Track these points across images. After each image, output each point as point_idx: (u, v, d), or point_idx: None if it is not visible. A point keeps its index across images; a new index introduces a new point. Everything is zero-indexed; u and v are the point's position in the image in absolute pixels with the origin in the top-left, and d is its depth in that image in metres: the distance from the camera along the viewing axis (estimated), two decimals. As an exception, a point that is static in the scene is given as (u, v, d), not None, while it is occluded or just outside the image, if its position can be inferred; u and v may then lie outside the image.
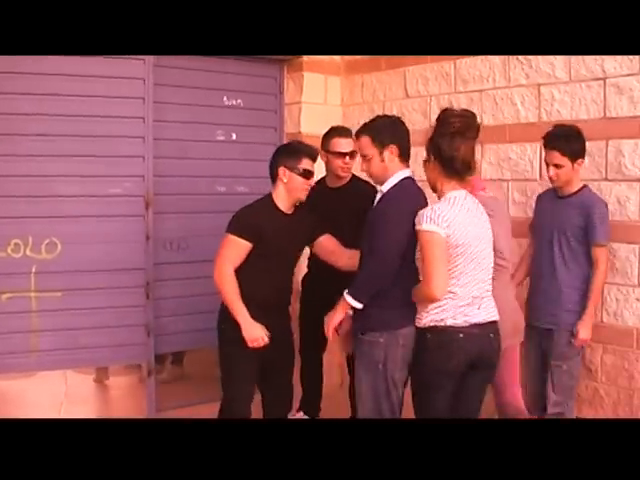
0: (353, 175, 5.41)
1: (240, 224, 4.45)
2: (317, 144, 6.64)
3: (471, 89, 5.82)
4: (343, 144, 5.29)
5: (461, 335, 3.83)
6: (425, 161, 4.10)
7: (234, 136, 6.14)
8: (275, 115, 6.82)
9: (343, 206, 5.17)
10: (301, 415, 5.77)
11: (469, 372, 3.89)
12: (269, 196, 4.59)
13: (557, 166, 4.68)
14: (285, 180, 4.52)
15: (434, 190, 4.07)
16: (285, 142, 6.73)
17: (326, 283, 4.89)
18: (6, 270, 5.62)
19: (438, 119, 4.02)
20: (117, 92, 5.78)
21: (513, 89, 5.56)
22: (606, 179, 5.09)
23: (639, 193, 4.93)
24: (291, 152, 4.59)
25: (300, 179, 4.53)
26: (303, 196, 4.60)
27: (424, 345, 3.91)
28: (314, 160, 4.63)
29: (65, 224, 5.62)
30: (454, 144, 3.86)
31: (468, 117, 4.00)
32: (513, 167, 5.58)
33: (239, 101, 6.49)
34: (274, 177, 4.58)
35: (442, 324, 3.84)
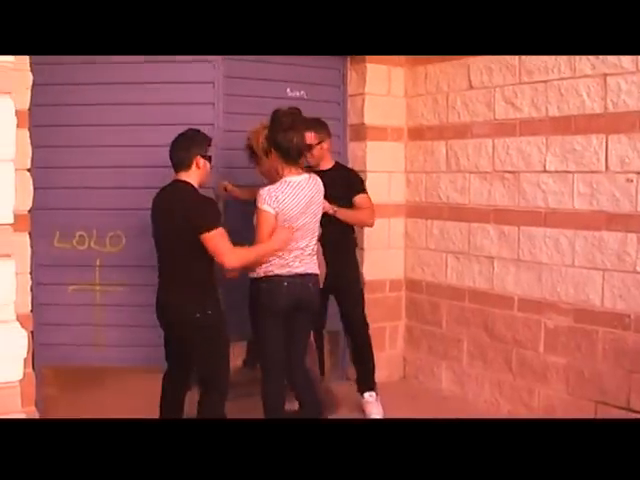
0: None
1: (217, 216, 4.67)
2: (381, 135, 6.68)
3: (536, 80, 5.71)
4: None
5: (285, 283, 4.78)
6: (262, 156, 5.03)
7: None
8: (338, 107, 6.79)
9: None
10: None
11: (294, 313, 4.85)
12: (189, 184, 4.70)
13: None
14: (200, 167, 4.72)
15: (272, 178, 4.92)
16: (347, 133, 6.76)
17: None
18: (72, 262, 5.69)
19: (272, 119, 4.79)
20: (189, 78, 5.88)
21: (579, 80, 5.43)
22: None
23: None
24: (201, 141, 4.77)
25: (208, 164, 4.80)
26: (210, 180, 5.09)
27: (258, 291, 4.80)
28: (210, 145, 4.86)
29: (129, 217, 5.66)
30: (288, 137, 4.68)
31: (296, 114, 4.80)
32: (578, 159, 5.46)
33: (302, 92, 6.46)
34: (187, 165, 4.69)
35: (271, 274, 4.76)
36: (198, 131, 4.80)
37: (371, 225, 5.93)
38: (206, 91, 5.93)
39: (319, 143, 5.62)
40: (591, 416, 5.35)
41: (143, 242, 5.50)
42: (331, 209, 5.48)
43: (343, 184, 5.65)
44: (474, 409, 6.08)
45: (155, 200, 4.79)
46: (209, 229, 4.50)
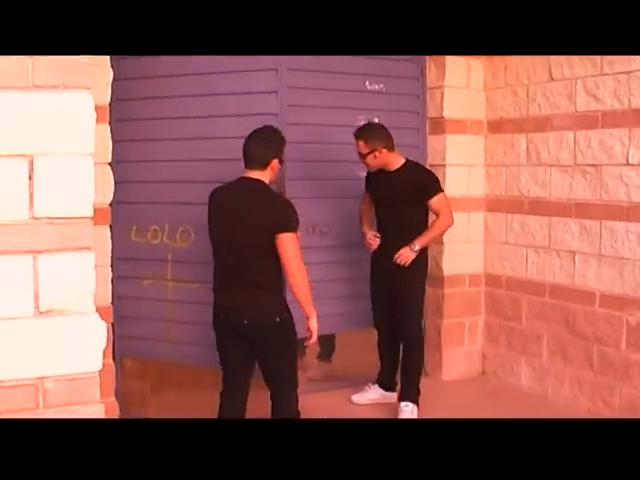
0: None
1: (297, 222, 4.52)
2: (460, 128, 6.59)
3: (618, 71, 5.55)
4: None
5: None
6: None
7: (376, 121, 6.02)
8: (417, 100, 6.71)
9: None
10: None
11: None
12: (265, 183, 4.60)
13: None
14: (275, 169, 4.62)
15: None
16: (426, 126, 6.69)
17: None
18: (146, 256, 5.76)
19: None
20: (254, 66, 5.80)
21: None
22: None
23: None
24: (280, 143, 4.66)
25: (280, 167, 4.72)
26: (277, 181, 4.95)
27: None
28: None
29: (197, 211, 5.66)
30: None
31: None
32: (663, 151, 5.30)
33: (381, 86, 6.41)
34: (264, 165, 4.57)
35: None
36: (278, 132, 4.73)
37: (452, 225, 5.80)
38: (271, 80, 5.89)
39: (371, 152, 5.49)
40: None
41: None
42: (413, 251, 5.52)
43: (415, 186, 5.54)
44: (553, 406, 5.96)
45: (220, 197, 4.67)
46: (288, 230, 4.43)
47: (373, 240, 5.71)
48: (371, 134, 5.52)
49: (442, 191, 5.68)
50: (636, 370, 5.49)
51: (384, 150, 5.51)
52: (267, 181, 4.59)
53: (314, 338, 4.64)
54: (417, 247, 5.50)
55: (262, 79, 5.85)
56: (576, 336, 5.96)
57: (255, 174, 4.56)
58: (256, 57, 5.27)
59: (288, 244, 4.43)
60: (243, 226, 4.49)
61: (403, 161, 5.67)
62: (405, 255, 5.50)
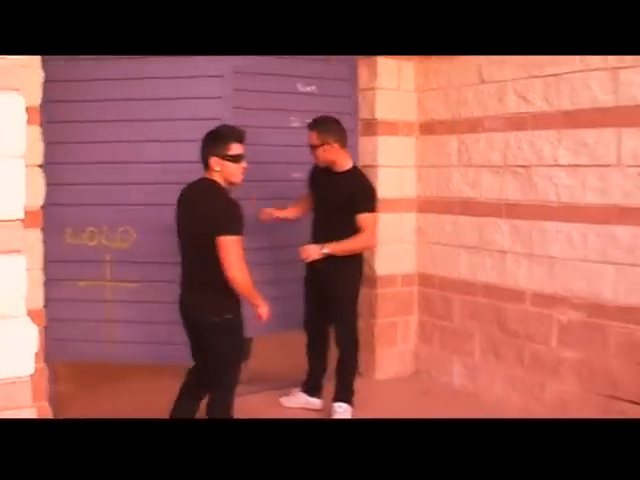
0: None
1: (239, 224, 4.48)
2: (392, 130, 6.61)
3: (547, 73, 5.63)
4: None
5: None
6: None
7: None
8: (349, 101, 6.71)
9: None
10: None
11: None
12: (215, 182, 4.59)
13: None
14: (218, 169, 4.57)
15: None
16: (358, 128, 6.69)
17: None
18: (82, 257, 5.67)
19: None
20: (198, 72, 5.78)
21: (590, 73, 5.35)
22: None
23: None
24: (218, 139, 4.60)
25: (233, 165, 4.59)
26: (239, 180, 4.70)
27: None
28: (242, 142, 4.66)
29: (139, 212, 5.64)
30: None
31: None
32: (590, 153, 5.38)
33: (313, 88, 6.40)
34: (205, 165, 4.59)
35: None
36: (218, 130, 4.68)
37: (371, 248, 5.76)
38: (214, 85, 5.84)
39: (322, 145, 5.49)
40: (603, 411, 5.29)
41: (153, 238, 5.48)
42: (319, 252, 5.45)
43: (351, 195, 5.48)
44: (485, 404, 6.02)
45: (182, 195, 4.70)
46: (225, 233, 4.38)
47: (265, 214, 5.75)
48: (325, 127, 5.52)
49: (373, 211, 5.58)
50: (566, 367, 5.57)
51: (335, 145, 5.50)
52: (220, 181, 4.57)
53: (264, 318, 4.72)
54: (326, 251, 5.42)
55: (205, 84, 5.86)
56: (507, 334, 6.03)
57: (207, 174, 4.59)
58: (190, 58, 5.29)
59: (224, 248, 4.39)
60: (192, 226, 4.55)
61: (351, 165, 5.66)
62: (309, 251, 5.44)
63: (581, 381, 5.49)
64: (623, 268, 5.19)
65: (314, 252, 5.42)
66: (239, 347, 4.73)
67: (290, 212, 5.90)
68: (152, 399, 5.51)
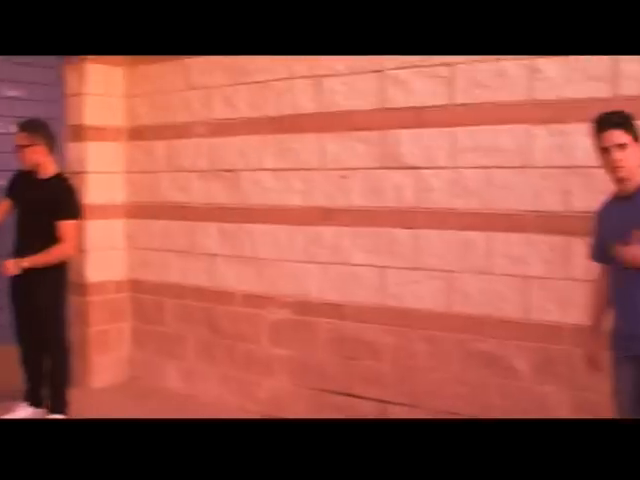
0: None
1: None
2: (100, 136, 6.42)
3: (253, 80, 5.74)
4: None
5: None
6: None
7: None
8: (57, 106, 6.44)
9: None
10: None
11: None
12: None
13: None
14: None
15: None
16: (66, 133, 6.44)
17: None
18: None
19: None
20: None
21: (295, 80, 5.52)
22: (385, 167, 5.14)
23: (414, 180, 5.02)
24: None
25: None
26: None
27: None
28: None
29: None
30: None
31: None
32: (295, 157, 5.55)
33: (21, 92, 6.08)
34: None
35: None
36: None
37: (70, 255, 5.54)
38: None
39: (30, 146, 5.25)
40: (316, 405, 5.46)
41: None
42: (18, 267, 5.19)
43: (53, 202, 5.27)
44: (203, 406, 5.98)
45: None
46: None
47: (9, 266, 5.28)
48: (35, 128, 5.30)
49: (76, 218, 5.38)
50: (278, 364, 5.70)
51: (44, 147, 5.30)
52: None
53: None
54: (25, 264, 5.18)
55: None
56: (220, 336, 6.06)
57: None
58: None
59: None
60: None
61: (55, 172, 5.41)
62: (7, 267, 5.18)
63: (293, 377, 5.63)
64: (327, 267, 5.40)
65: (13, 268, 5.15)
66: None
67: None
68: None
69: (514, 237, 4.67)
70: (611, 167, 3.64)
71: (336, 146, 5.32)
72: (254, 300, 5.82)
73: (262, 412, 5.67)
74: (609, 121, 3.64)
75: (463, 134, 4.83)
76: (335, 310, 5.37)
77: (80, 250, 5.78)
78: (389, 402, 5.18)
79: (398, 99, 5.08)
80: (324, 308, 5.43)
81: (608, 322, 3.84)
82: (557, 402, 4.57)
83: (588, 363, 3.95)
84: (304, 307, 5.53)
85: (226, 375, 6.04)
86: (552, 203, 4.55)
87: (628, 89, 4.28)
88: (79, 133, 6.49)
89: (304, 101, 5.49)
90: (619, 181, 3.66)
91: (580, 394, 4.47)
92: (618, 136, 3.59)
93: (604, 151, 3.65)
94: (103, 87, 6.58)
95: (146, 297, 6.63)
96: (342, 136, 5.29)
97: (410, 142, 5.03)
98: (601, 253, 3.84)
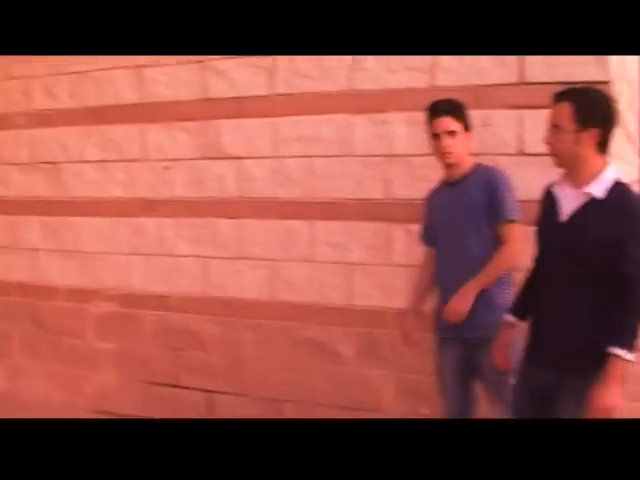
0: None
1: None
2: None
3: (74, 70, 5.15)
4: None
5: None
6: None
7: None
8: None
9: None
10: None
11: None
12: None
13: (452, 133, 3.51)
14: None
15: None
16: None
17: None
18: None
19: None
20: None
21: (116, 71, 5.00)
22: (207, 158, 4.72)
23: (236, 171, 4.64)
24: None
25: None
26: None
27: None
28: None
29: None
30: None
31: None
32: (117, 148, 5.03)
33: None
34: None
35: None
36: None
37: None
38: None
39: None
40: (143, 398, 4.98)
41: None
42: None
43: None
44: (31, 404, 5.31)
45: None
46: None
47: None
48: None
49: None
50: (104, 358, 5.18)
51: None
52: None
53: None
54: None
55: None
56: (44, 332, 5.44)
57: None
58: None
59: None
60: None
61: None
62: None
63: (120, 370, 5.14)
64: (151, 258, 4.96)
65: None
66: None
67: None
68: None
69: (336, 225, 4.39)
70: (441, 153, 3.50)
71: (158, 137, 4.87)
72: (78, 294, 5.25)
73: (91, 408, 5.11)
74: (440, 108, 3.50)
75: (285, 124, 4.50)
76: (160, 301, 4.92)
77: None
78: (217, 392, 4.79)
79: (220, 89, 4.67)
80: (149, 300, 4.97)
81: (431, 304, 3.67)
82: (382, 385, 4.34)
83: (403, 341, 3.77)
84: (129, 299, 5.05)
85: (52, 372, 5.43)
86: (373, 191, 4.29)
87: (444, 80, 4.07)
88: None
89: (125, 91, 4.99)
90: (448, 167, 3.54)
91: (404, 376, 4.27)
92: (448, 123, 3.46)
93: (435, 137, 3.50)
94: None
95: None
96: (164, 127, 4.84)
97: (232, 132, 4.64)
98: (430, 237, 3.69)
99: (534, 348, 2.91)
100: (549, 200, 2.91)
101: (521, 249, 3.36)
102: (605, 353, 2.61)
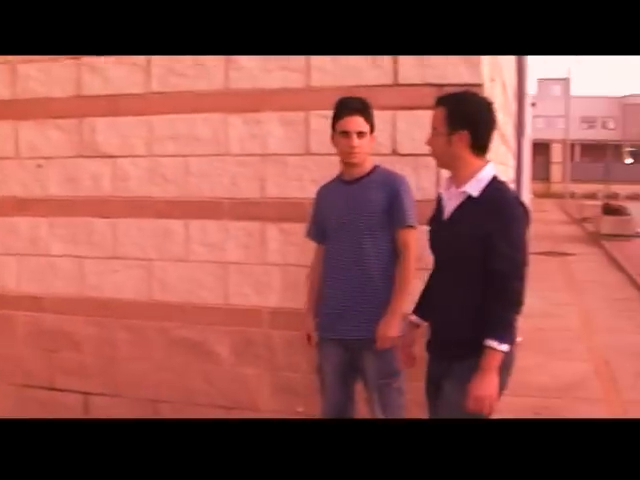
0: None
1: None
2: None
3: None
4: None
5: None
6: None
7: None
8: None
9: None
10: None
11: None
12: None
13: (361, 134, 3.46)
14: None
15: None
16: None
17: None
18: None
19: None
20: None
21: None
22: (81, 156, 4.62)
23: (111, 169, 4.56)
24: None
25: None
26: None
27: None
28: None
29: None
30: None
31: None
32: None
33: None
34: None
35: None
36: None
37: None
38: None
39: None
40: (18, 401, 4.80)
41: None
42: None
43: None
44: None
45: None
46: None
47: None
48: None
49: None
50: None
51: None
52: None
53: None
54: None
55: None
56: None
57: None
58: None
59: None
60: None
61: None
62: None
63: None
64: (25, 258, 4.80)
65: None
66: None
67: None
68: None
69: (211, 224, 4.37)
70: (347, 152, 3.43)
71: (31, 134, 4.73)
72: None
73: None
74: (352, 107, 3.43)
75: (160, 122, 4.45)
76: (34, 302, 4.77)
77: None
78: (92, 393, 4.69)
79: (94, 87, 4.57)
80: (22, 301, 4.80)
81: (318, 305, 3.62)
82: (258, 383, 4.34)
83: (307, 342, 3.65)
84: (1, 301, 4.86)
85: None
86: (248, 190, 4.30)
87: (319, 80, 4.11)
88: None
89: (-1, 88, 4.81)
90: (351, 165, 3.47)
91: (280, 374, 4.28)
92: (360, 123, 3.41)
93: (342, 134, 3.42)
94: None
95: None
96: (38, 124, 4.71)
97: (106, 130, 4.56)
98: (318, 233, 3.64)
99: (431, 342, 3.01)
100: (438, 201, 3.00)
101: (417, 254, 3.40)
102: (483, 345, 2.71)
